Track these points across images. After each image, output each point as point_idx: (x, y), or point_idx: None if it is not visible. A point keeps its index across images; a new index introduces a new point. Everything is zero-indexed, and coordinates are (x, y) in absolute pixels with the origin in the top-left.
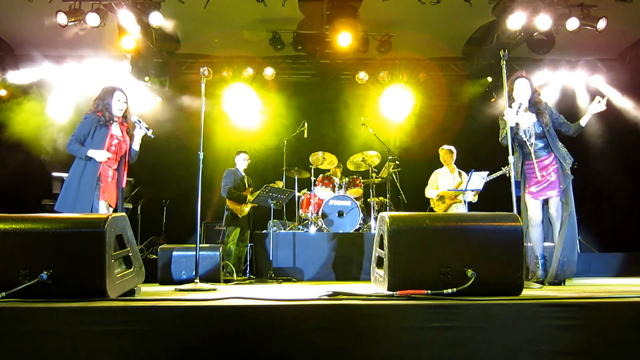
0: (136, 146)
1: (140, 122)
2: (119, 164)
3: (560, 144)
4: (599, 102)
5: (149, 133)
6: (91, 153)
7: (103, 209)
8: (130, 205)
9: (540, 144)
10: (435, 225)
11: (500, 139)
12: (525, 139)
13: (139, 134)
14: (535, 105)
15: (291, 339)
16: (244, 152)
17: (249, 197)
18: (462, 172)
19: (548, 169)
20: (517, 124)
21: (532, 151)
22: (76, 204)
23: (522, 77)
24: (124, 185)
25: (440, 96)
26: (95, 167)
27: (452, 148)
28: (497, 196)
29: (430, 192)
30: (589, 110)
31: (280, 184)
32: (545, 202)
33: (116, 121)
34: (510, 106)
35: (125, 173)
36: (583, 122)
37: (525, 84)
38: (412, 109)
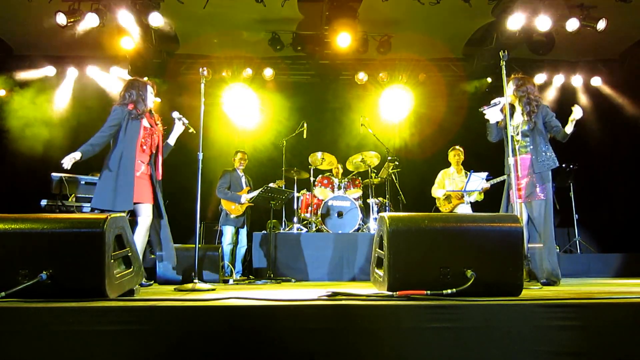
0: (172, 141)
1: (181, 118)
2: (151, 158)
3: (546, 147)
4: (575, 109)
5: (190, 130)
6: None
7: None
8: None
9: (524, 142)
10: (434, 226)
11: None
12: (512, 134)
13: (178, 130)
14: (527, 105)
15: (290, 340)
16: (241, 152)
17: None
18: (468, 172)
19: (527, 169)
20: (505, 120)
21: (516, 147)
22: (116, 201)
23: (513, 78)
24: (159, 177)
25: (440, 97)
26: (131, 163)
27: (462, 149)
28: (499, 197)
29: (438, 191)
30: (570, 119)
31: (281, 183)
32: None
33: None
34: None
35: (160, 165)
36: (568, 129)
37: (511, 84)
38: (411, 109)
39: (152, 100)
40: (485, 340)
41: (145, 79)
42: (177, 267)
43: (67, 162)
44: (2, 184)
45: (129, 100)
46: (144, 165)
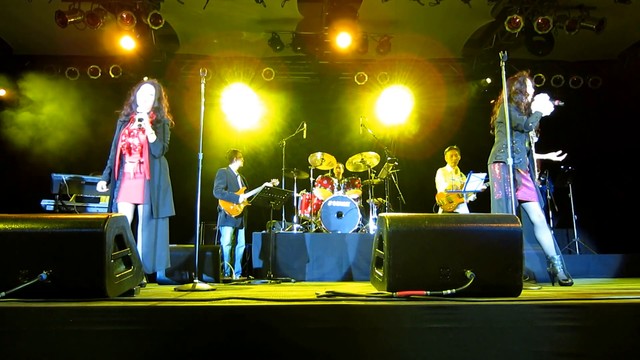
0: (151, 138)
1: (141, 120)
2: (143, 157)
3: None
4: (559, 155)
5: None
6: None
7: (122, 211)
8: None
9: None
10: (434, 226)
11: (525, 124)
12: (532, 137)
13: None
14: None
15: (290, 340)
16: (237, 152)
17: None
18: (463, 173)
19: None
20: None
21: (533, 149)
22: (109, 204)
23: (528, 77)
24: (149, 177)
25: (439, 97)
26: (112, 168)
27: (458, 149)
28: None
29: (442, 185)
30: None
31: (276, 182)
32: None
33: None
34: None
35: (147, 164)
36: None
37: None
38: (411, 110)
39: (141, 102)
40: (484, 341)
41: (146, 79)
42: (177, 267)
43: None
44: (2, 184)
45: (127, 105)
46: (134, 165)
